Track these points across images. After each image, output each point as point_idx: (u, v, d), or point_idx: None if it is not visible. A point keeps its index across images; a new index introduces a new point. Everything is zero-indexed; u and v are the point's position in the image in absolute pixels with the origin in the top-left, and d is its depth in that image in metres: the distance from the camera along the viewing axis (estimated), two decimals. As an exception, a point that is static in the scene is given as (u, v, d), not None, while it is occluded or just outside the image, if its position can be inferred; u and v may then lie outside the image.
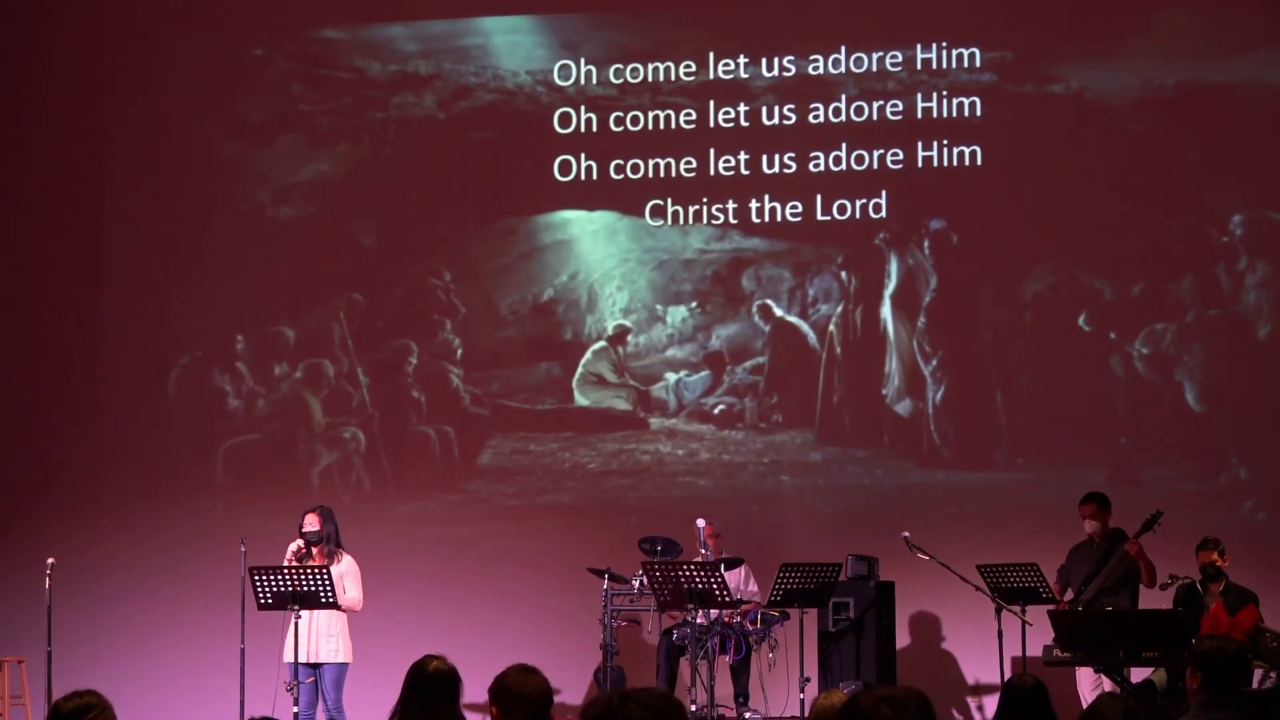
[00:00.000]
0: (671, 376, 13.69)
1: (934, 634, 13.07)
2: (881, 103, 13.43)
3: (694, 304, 13.70)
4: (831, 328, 13.48)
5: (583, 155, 13.78)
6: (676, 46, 13.74)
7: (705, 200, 13.63)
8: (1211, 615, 10.65)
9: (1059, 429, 13.12)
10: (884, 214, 13.41)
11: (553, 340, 13.86)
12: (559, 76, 13.87)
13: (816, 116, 13.50)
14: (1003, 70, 13.32)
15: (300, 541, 11.24)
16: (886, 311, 13.43)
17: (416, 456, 13.84)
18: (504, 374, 13.88)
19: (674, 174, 13.65)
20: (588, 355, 13.78)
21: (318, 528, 11.23)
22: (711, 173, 13.60)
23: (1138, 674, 10.82)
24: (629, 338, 13.74)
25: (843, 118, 13.48)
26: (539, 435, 13.80)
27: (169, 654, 13.54)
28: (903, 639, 12.72)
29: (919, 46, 13.39)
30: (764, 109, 13.56)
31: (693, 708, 11.28)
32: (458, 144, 13.95)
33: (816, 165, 13.48)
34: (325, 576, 10.76)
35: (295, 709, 10.94)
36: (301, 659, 10.92)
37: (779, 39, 13.57)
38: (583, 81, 13.84)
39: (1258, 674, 10.51)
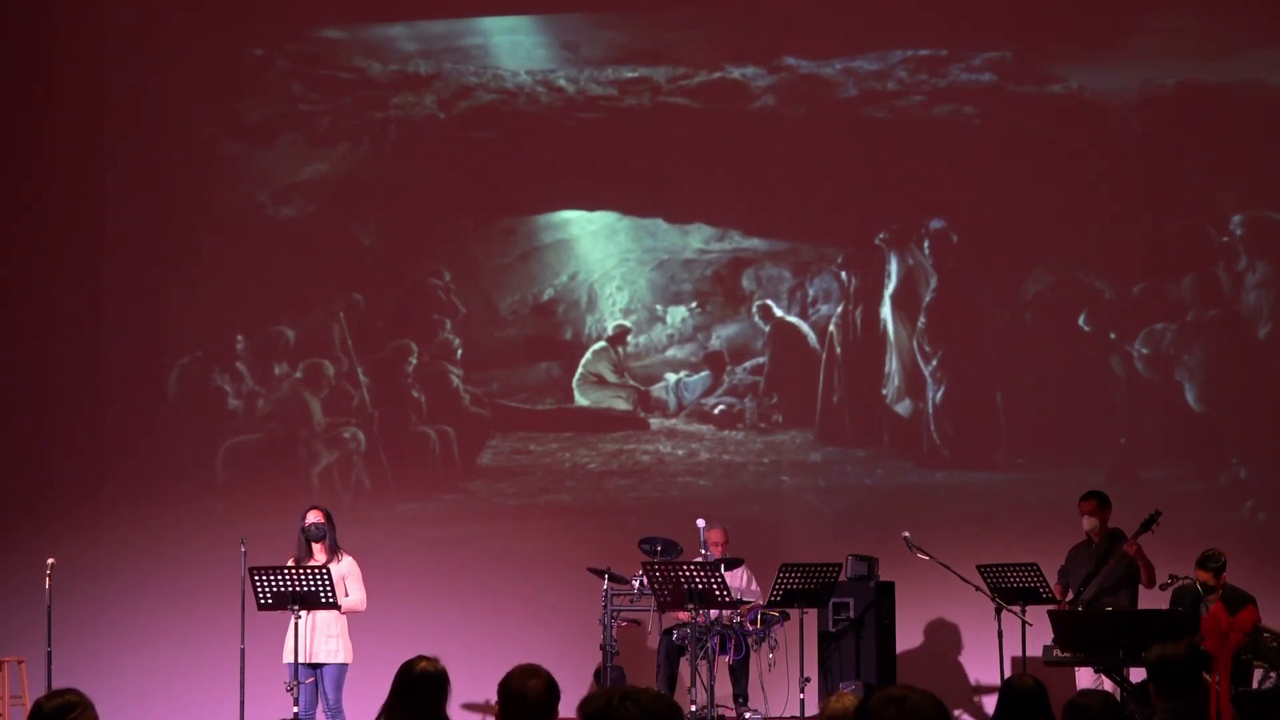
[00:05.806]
0: (671, 376, 13.69)
1: (934, 634, 13.07)
2: (881, 103, 13.43)
3: (694, 304, 13.70)
4: (831, 328, 13.48)
5: (582, 155, 13.77)
6: (676, 47, 13.74)
7: (705, 200, 13.63)
8: (1211, 616, 10.64)
9: (1059, 429, 13.12)
10: (884, 214, 13.41)
11: (553, 340, 13.86)
12: (559, 76, 13.86)
13: (816, 116, 13.49)
14: (1003, 70, 13.31)
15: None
16: (886, 311, 13.43)
17: (416, 456, 13.84)
18: (504, 374, 13.88)
19: (674, 174, 13.65)
20: (588, 355, 13.77)
21: (321, 521, 11.26)
22: (712, 172, 13.60)
23: (1137, 674, 10.81)
24: (629, 338, 13.74)
25: (843, 118, 13.48)
26: (539, 435, 13.79)
27: (169, 654, 13.54)
28: (903, 639, 12.69)
29: (919, 47, 13.38)
30: (764, 109, 13.55)
31: (693, 708, 11.28)
32: (458, 144, 13.94)
33: (816, 165, 13.48)
34: (325, 576, 10.76)
35: (295, 709, 10.94)
36: (301, 659, 10.91)
37: (779, 39, 13.56)
38: (582, 81, 13.84)
39: (1258, 674, 10.51)
